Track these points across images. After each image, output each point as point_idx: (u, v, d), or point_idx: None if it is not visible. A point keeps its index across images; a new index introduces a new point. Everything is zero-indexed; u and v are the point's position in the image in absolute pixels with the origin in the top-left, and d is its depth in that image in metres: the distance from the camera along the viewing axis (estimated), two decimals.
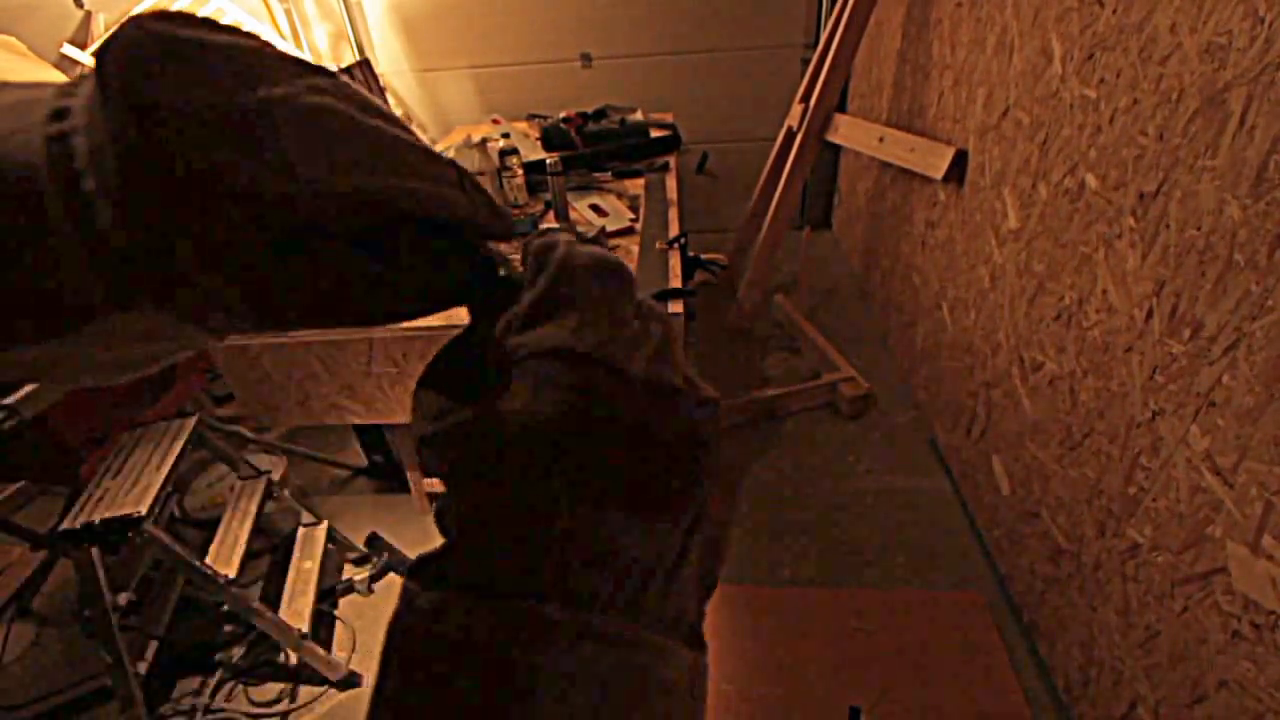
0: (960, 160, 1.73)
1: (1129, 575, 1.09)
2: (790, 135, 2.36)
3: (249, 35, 0.20)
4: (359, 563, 1.74)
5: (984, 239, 1.62)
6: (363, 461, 2.03)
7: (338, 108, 0.20)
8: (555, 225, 1.39)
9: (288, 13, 3.12)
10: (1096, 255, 1.18)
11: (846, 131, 2.14)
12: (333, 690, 1.44)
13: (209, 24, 0.20)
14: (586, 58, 3.13)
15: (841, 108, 2.63)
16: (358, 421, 1.60)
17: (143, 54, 0.18)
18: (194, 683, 1.46)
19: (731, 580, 1.61)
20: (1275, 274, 0.82)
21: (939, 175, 1.76)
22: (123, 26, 0.19)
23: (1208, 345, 0.93)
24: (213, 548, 1.41)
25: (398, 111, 3.17)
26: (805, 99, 2.28)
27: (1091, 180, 1.19)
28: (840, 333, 2.44)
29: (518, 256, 0.25)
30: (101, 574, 1.31)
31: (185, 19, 0.19)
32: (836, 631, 1.47)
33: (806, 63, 3.00)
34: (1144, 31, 1.05)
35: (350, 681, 1.45)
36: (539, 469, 0.18)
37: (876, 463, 1.92)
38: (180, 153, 0.17)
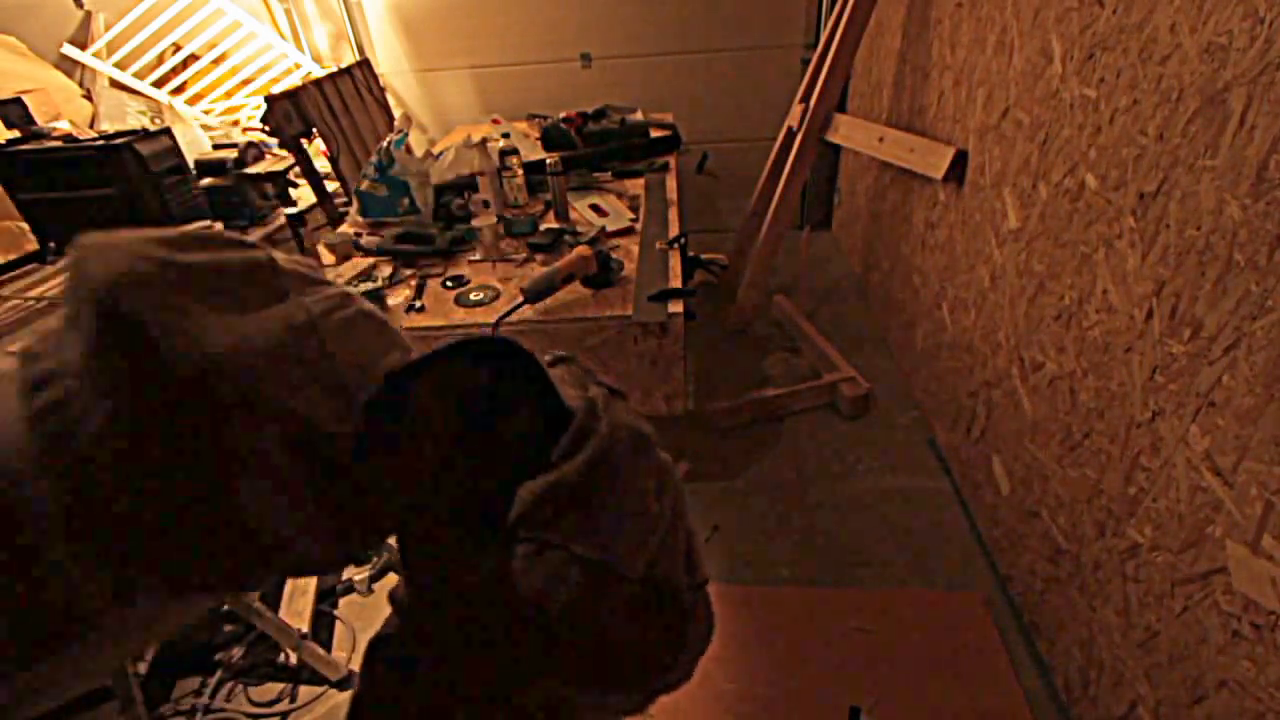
0: (960, 160, 1.73)
1: (1129, 575, 1.09)
2: (790, 135, 2.36)
3: (237, 246, 0.20)
4: (359, 563, 1.74)
5: (984, 239, 1.62)
6: None
7: (359, 318, 0.22)
8: (557, 226, 1.38)
9: (288, 13, 3.12)
10: (1096, 255, 1.18)
11: (846, 131, 2.14)
12: (333, 690, 1.44)
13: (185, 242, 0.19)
14: (586, 58, 3.13)
15: (841, 108, 2.63)
16: None
17: (146, 288, 0.16)
18: (194, 683, 1.46)
19: (732, 580, 1.61)
20: (1275, 274, 0.82)
21: (939, 175, 1.76)
22: (105, 254, 0.17)
23: (1208, 345, 0.93)
24: None
25: (397, 112, 3.17)
26: (805, 99, 2.28)
27: (1091, 180, 1.19)
28: (840, 333, 2.44)
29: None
30: None
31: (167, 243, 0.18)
32: (836, 631, 1.47)
33: (806, 63, 2.99)
34: (1144, 31, 1.05)
35: (350, 682, 1.45)
36: (534, 654, 0.20)
37: (876, 462, 1.92)
38: (220, 384, 0.16)
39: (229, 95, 3.03)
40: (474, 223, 1.68)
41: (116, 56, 2.66)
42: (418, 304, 1.47)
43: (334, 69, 2.61)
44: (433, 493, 0.21)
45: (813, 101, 2.14)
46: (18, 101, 2.16)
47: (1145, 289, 1.05)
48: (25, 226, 2.05)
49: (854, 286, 2.84)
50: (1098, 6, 1.17)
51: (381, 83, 2.96)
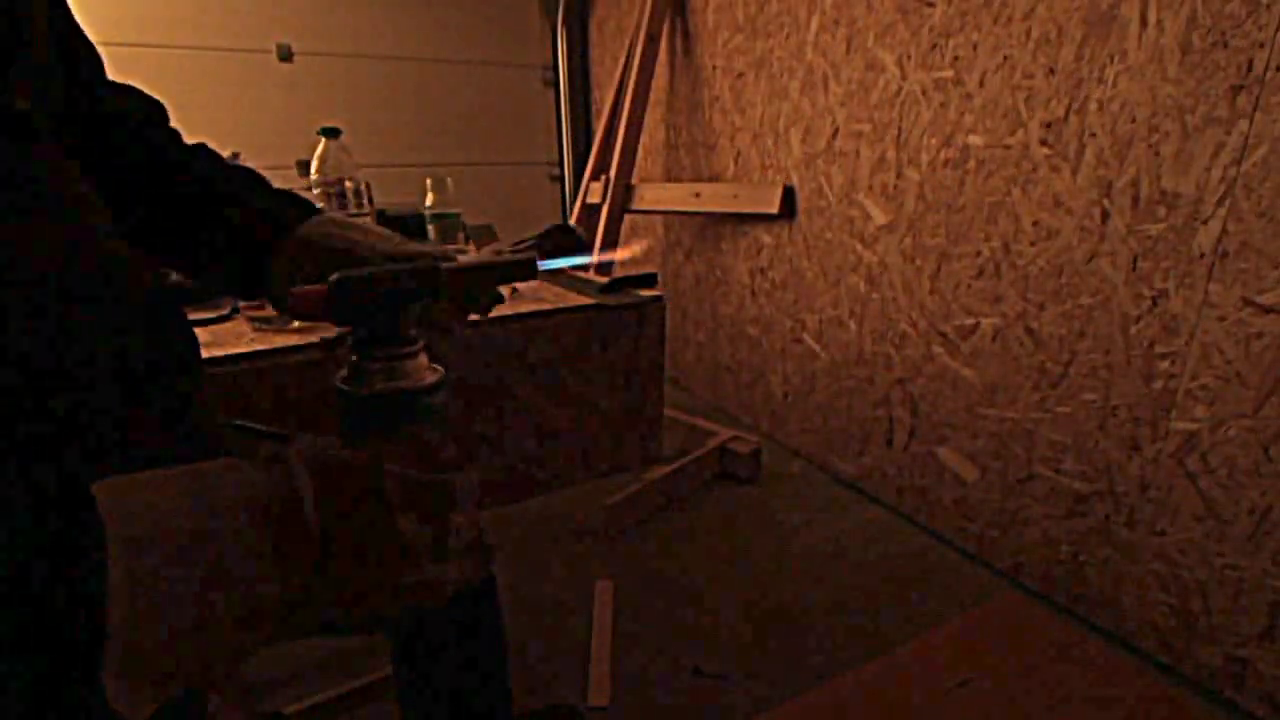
0: (789, 194, 1.81)
1: (1196, 470, 1.04)
2: (592, 210, 2.24)
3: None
4: None
5: (846, 250, 1.66)
6: None
7: None
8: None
9: None
10: (1009, 198, 1.26)
11: (655, 196, 2.11)
12: None
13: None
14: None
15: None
16: None
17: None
18: None
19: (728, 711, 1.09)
20: (1243, 115, 0.93)
21: (774, 209, 1.81)
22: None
23: (1194, 208, 1.00)
24: None
25: None
26: (597, 175, 2.22)
27: (976, 140, 1.30)
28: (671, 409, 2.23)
29: None
30: None
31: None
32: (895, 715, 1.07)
33: (555, 179, 3.03)
34: (993, 5, 1.23)
35: None
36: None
37: (795, 519, 1.66)
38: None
39: None
40: None
41: None
42: None
43: None
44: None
45: (612, 173, 2.08)
46: None
47: (1089, 197, 1.13)
48: None
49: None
50: (927, 8, 1.36)
51: None
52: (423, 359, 0.39)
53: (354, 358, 0.38)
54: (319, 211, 0.50)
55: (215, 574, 0.25)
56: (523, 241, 0.58)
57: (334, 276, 0.36)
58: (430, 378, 0.39)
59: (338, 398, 0.37)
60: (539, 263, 0.44)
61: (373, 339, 0.37)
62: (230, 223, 0.47)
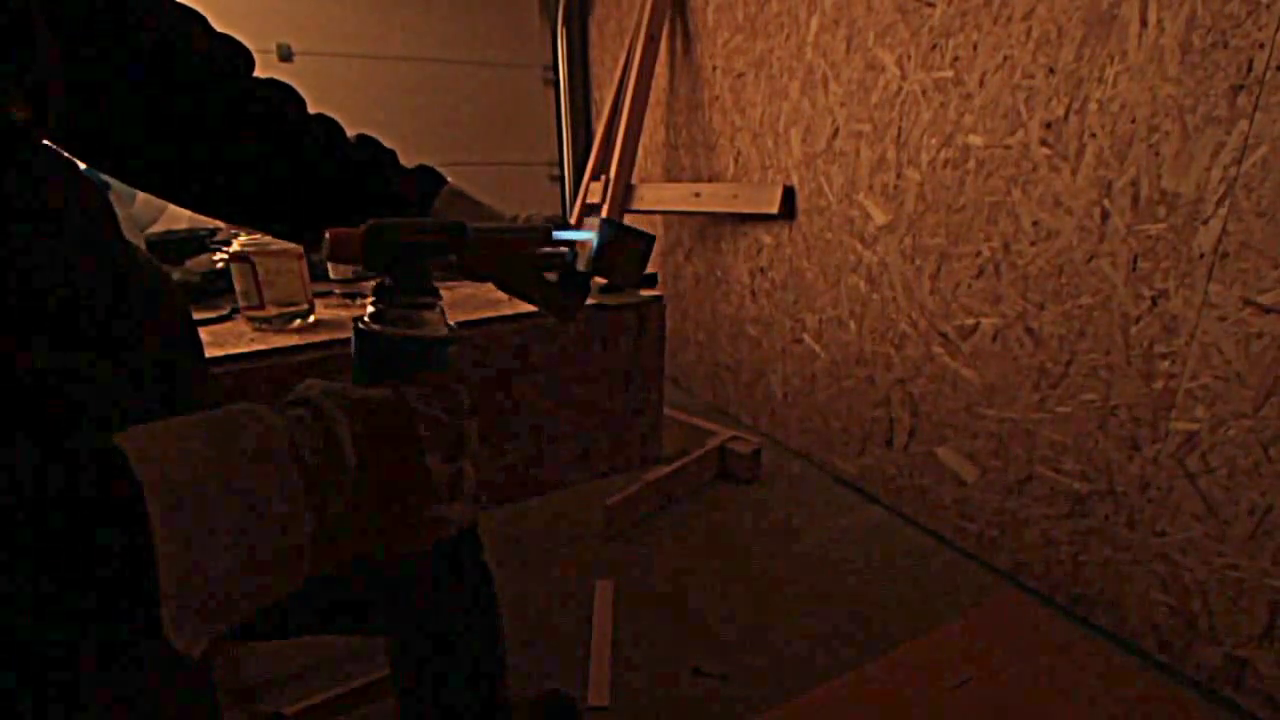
0: (789, 194, 1.81)
1: (1196, 470, 1.04)
2: (592, 210, 2.25)
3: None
4: None
5: (845, 250, 1.66)
6: None
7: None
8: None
9: None
10: (1009, 198, 1.26)
11: (655, 196, 2.11)
12: None
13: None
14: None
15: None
16: None
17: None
18: None
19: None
20: (1243, 114, 0.93)
21: (774, 209, 1.81)
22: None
23: (1194, 208, 1.00)
24: None
25: None
26: (597, 175, 2.22)
27: (976, 140, 1.30)
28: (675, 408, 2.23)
29: None
30: None
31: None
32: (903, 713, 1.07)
33: (555, 179, 3.04)
34: (993, 5, 1.23)
35: None
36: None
37: (791, 520, 1.66)
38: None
39: None
40: None
41: None
42: None
43: None
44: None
45: (613, 173, 2.08)
46: None
47: (1089, 197, 1.13)
48: None
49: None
50: (928, 8, 1.36)
51: None
52: (439, 314, 0.41)
53: (379, 305, 0.40)
54: (445, 182, 0.57)
55: (250, 516, 0.26)
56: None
57: (369, 222, 0.38)
58: (445, 333, 0.41)
59: (357, 338, 0.39)
60: (555, 233, 0.47)
61: (398, 287, 0.39)
62: (377, 205, 0.52)
